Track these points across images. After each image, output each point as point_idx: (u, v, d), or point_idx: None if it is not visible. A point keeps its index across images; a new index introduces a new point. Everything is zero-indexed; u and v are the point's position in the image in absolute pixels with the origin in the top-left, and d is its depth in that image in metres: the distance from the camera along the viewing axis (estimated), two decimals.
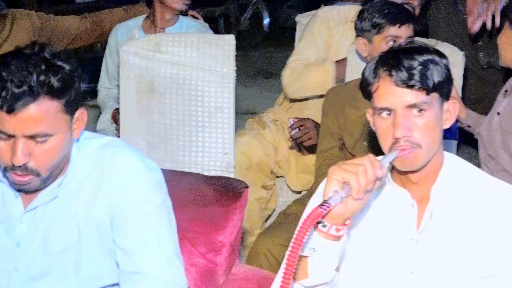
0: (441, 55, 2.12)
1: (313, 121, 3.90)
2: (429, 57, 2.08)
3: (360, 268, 2.19)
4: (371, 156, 1.96)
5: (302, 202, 3.62)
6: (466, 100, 3.45)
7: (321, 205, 1.88)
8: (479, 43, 4.31)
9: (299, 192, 4.14)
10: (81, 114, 2.15)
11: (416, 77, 2.05)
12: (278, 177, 4.20)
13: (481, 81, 3.87)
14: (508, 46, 3.33)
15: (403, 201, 2.19)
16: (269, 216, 4.21)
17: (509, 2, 3.48)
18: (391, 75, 2.07)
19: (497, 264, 2.12)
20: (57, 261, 2.25)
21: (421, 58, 2.08)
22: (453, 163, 2.22)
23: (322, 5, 4.20)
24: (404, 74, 2.06)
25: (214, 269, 2.61)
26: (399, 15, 3.41)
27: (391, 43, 3.38)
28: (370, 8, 3.46)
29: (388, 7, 3.44)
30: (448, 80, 2.11)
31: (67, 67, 2.05)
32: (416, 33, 3.58)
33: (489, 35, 4.28)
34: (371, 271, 2.19)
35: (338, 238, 1.99)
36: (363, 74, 2.17)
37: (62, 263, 2.25)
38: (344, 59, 3.89)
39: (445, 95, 2.12)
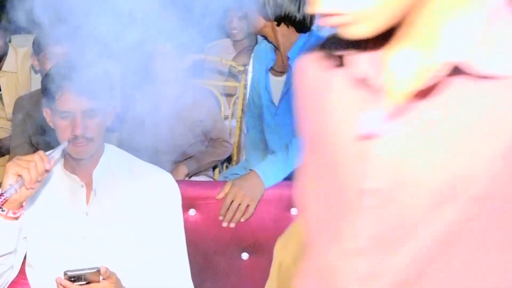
0: None
1: None
2: None
3: (42, 237, 2.49)
4: (41, 152, 2.22)
5: None
6: None
7: None
8: None
9: None
10: None
11: (97, 88, 2.37)
12: None
13: None
14: None
15: (75, 183, 2.51)
16: None
17: None
18: (72, 87, 2.37)
19: (144, 228, 2.52)
20: None
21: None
22: (112, 152, 2.58)
23: None
24: (82, 87, 2.35)
25: None
26: None
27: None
28: None
29: None
30: None
31: None
32: None
33: None
34: (51, 238, 2.48)
35: (16, 218, 2.27)
36: (45, 84, 2.45)
37: None
38: None
39: None
